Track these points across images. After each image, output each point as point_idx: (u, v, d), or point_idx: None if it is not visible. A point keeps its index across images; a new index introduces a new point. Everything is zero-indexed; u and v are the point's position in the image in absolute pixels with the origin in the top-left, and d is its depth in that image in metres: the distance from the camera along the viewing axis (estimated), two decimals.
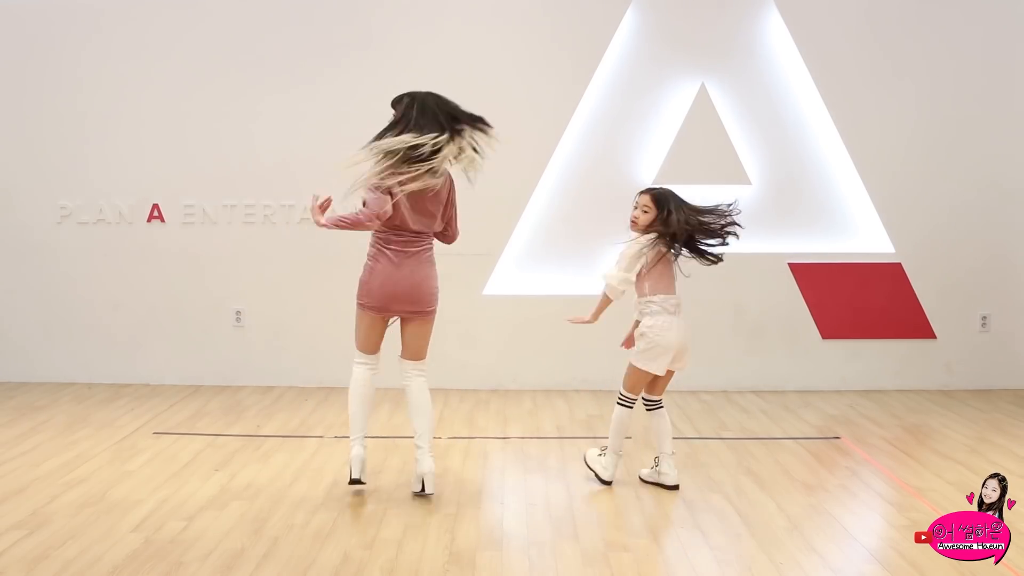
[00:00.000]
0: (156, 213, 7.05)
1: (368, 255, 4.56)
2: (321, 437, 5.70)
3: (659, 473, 4.78)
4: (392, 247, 4.48)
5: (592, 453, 4.94)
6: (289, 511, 4.37)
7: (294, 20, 6.94)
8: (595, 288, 6.91)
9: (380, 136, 4.39)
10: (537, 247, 7.06)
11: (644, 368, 4.68)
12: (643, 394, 4.81)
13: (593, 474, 4.87)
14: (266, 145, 6.96)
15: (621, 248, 4.76)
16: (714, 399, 6.78)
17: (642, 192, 4.84)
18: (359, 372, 4.65)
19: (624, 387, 4.75)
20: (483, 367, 7.06)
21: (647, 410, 4.84)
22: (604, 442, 4.92)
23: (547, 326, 7.04)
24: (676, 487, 4.73)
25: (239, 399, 6.67)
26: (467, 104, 6.90)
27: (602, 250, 7.01)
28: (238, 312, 7.11)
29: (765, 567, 3.77)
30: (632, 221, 4.80)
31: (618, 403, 4.77)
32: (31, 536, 4.01)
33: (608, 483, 4.80)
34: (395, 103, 4.51)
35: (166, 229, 7.06)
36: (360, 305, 4.56)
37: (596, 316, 4.83)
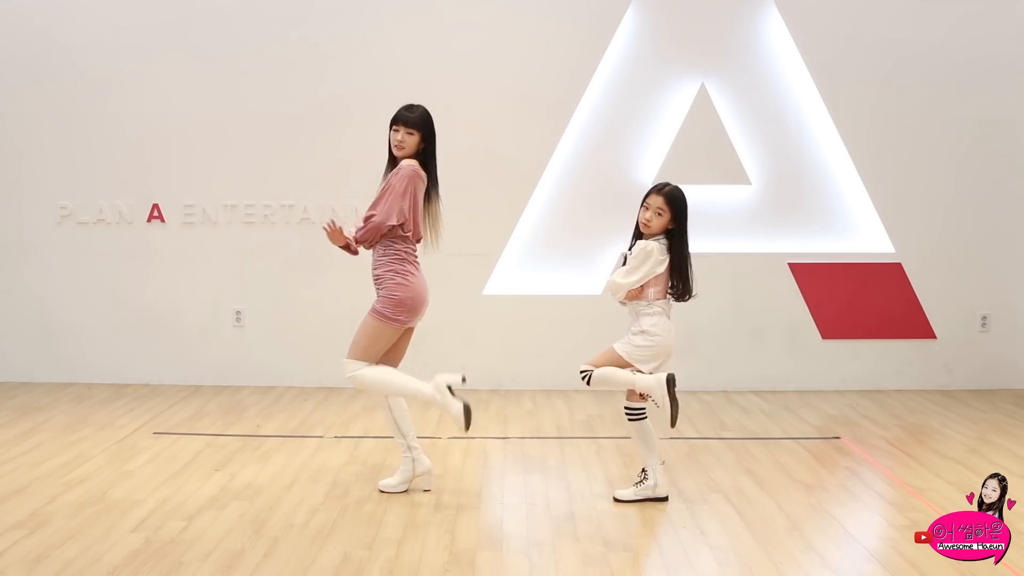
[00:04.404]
0: (156, 213, 7.04)
1: (395, 271, 4.46)
2: (321, 437, 5.69)
3: (654, 487, 4.50)
4: (414, 256, 4.55)
5: (627, 492, 4.52)
6: (289, 511, 4.37)
7: (293, 18, 6.93)
8: (595, 288, 7.00)
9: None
10: (537, 247, 7.06)
11: (637, 365, 4.37)
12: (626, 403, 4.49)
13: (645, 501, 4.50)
14: (266, 145, 6.95)
15: (634, 253, 4.39)
16: (714, 399, 6.78)
17: (654, 192, 4.40)
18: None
19: (627, 394, 4.46)
20: (483, 367, 7.04)
21: (633, 421, 4.48)
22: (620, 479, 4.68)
23: (547, 326, 7.05)
24: (666, 498, 4.53)
25: (239, 399, 6.67)
26: (467, 103, 7.02)
27: (602, 250, 7.04)
28: (238, 312, 7.11)
29: (765, 567, 3.77)
30: (643, 224, 4.39)
31: (635, 420, 4.44)
32: (31, 536, 4.01)
33: (665, 498, 4.50)
34: (428, 123, 4.54)
35: (166, 229, 7.05)
36: (392, 321, 4.45)
37: None
